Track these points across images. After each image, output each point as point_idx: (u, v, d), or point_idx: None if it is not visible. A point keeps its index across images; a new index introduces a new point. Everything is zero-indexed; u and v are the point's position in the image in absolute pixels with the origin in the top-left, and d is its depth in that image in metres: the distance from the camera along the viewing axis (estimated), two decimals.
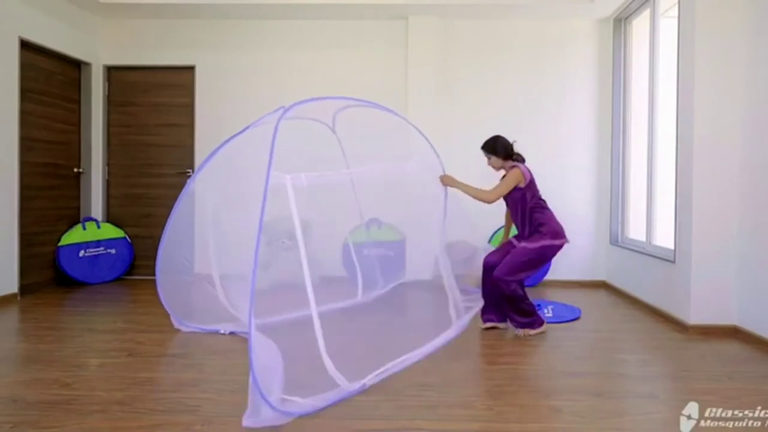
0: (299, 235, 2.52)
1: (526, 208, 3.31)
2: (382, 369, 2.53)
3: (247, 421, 1.99)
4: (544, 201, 3.38)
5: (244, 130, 3.33)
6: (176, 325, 3.40)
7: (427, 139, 3.60)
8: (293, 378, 2.35)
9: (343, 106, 3.61)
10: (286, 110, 2.66)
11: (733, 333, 3.32)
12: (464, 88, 5.13)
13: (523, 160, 3.47)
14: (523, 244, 3.28)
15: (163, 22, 5.22)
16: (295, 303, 3.70)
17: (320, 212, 3.68)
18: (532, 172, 3.36)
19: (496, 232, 4.88)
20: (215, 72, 5.24)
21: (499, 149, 3.42)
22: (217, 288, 3.49)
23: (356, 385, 2.34)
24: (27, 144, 4.42)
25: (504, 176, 3.38)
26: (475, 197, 3.29)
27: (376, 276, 4.47)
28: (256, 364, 2.04)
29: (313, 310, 2.42)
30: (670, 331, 3.45)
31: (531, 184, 3.33)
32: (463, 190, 3.34)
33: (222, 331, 3.27)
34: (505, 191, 3.29)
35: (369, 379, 2.41)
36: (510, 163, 3.42)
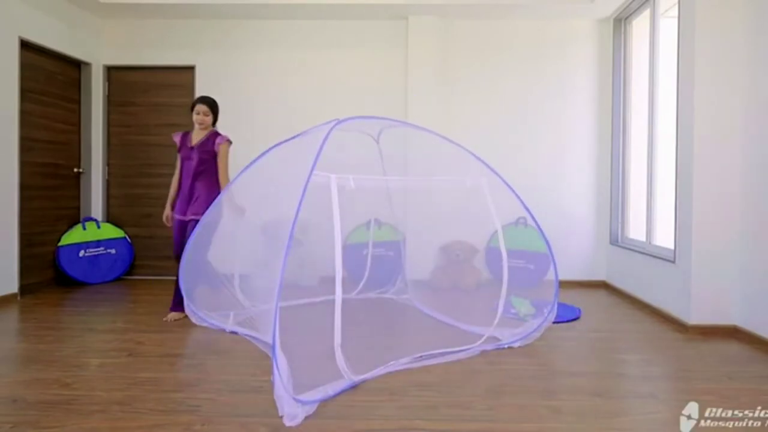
0: (338, 234, 2.55)
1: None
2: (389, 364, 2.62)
3: (290, 422, 2.02)
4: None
5: (291, 139, 3.36)
6: (189, 315, 3.54)
7: (482, 161, 3.36)
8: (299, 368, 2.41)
9: (389, 125, 3.70)
10: (339, 122, 2.78)
11: (733, 333, 3.32)
12: (464, 88, 5.13)
13: None
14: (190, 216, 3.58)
15: (163, 22, 5.22)
16: (292, 294, 3.82)
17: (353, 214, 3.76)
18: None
19: (496, 232, 4.87)
20: (215, 72, 5.24)
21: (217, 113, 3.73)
22: (235, 284, 3.57)
23: (357, 377, 2.42)
24: (27, 144, 4.42)
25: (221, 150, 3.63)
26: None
27: (379, 276, 4.51)
28: (281, 364, 2.13)
29: (337, 307, 2.46)
30: (670, 331, 3.45)
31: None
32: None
33: (227, 330, 3.29)
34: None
35: (373, 373, 2.49)
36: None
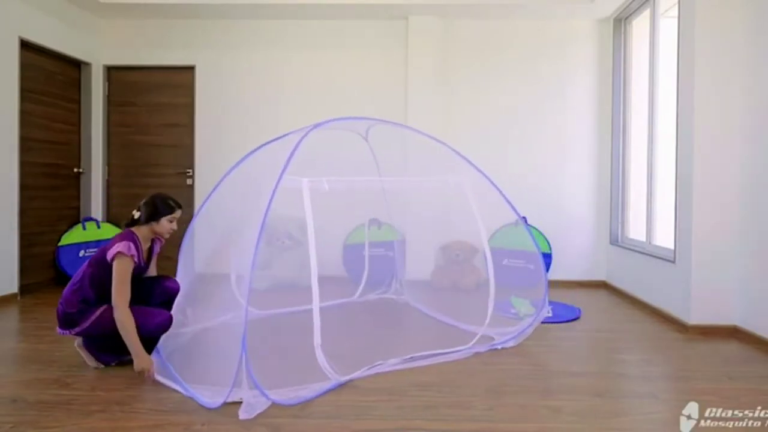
0: (311, 235, 2.59)
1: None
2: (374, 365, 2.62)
3: (244, 415, 2.08)
4: None
5: (275, 140, 3.34)
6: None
7: (467, 159, 3.32)
8: (285, 370, 2.44)
9: (374, 123, 3.69)
10: (316, 126, 2.78)
11: (733, 333, 3.32)
12: (464, 88, 5.13)
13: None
14: None
15: (163, 22, 5.22)
16: (293, 301, 3.80)
17: (339, 216, 3.74)
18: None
19: (497, 231, 4.88)
20: (215, 72, 5.24)
21: (157, 207, 2.73)
22: (232, 283, 3.56)
23: (343, 377, 2.44)
24: (27, 144, 4.41)
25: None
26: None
27: (379, 276, 4.51)
28: (245, 356, 2.13)
29: (315, 306, 2.49)
30: (670, 331, 3.45)
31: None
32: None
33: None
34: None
35: (358, 374, 2.51)
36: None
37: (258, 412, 2.10)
